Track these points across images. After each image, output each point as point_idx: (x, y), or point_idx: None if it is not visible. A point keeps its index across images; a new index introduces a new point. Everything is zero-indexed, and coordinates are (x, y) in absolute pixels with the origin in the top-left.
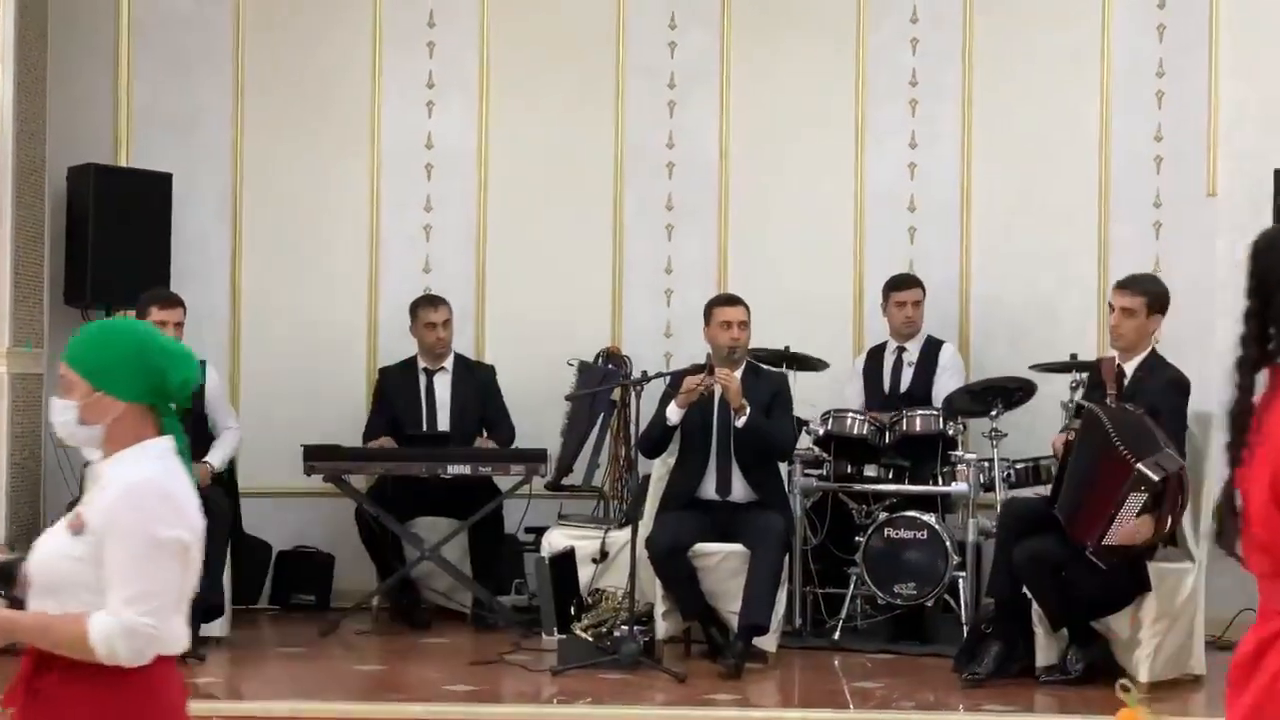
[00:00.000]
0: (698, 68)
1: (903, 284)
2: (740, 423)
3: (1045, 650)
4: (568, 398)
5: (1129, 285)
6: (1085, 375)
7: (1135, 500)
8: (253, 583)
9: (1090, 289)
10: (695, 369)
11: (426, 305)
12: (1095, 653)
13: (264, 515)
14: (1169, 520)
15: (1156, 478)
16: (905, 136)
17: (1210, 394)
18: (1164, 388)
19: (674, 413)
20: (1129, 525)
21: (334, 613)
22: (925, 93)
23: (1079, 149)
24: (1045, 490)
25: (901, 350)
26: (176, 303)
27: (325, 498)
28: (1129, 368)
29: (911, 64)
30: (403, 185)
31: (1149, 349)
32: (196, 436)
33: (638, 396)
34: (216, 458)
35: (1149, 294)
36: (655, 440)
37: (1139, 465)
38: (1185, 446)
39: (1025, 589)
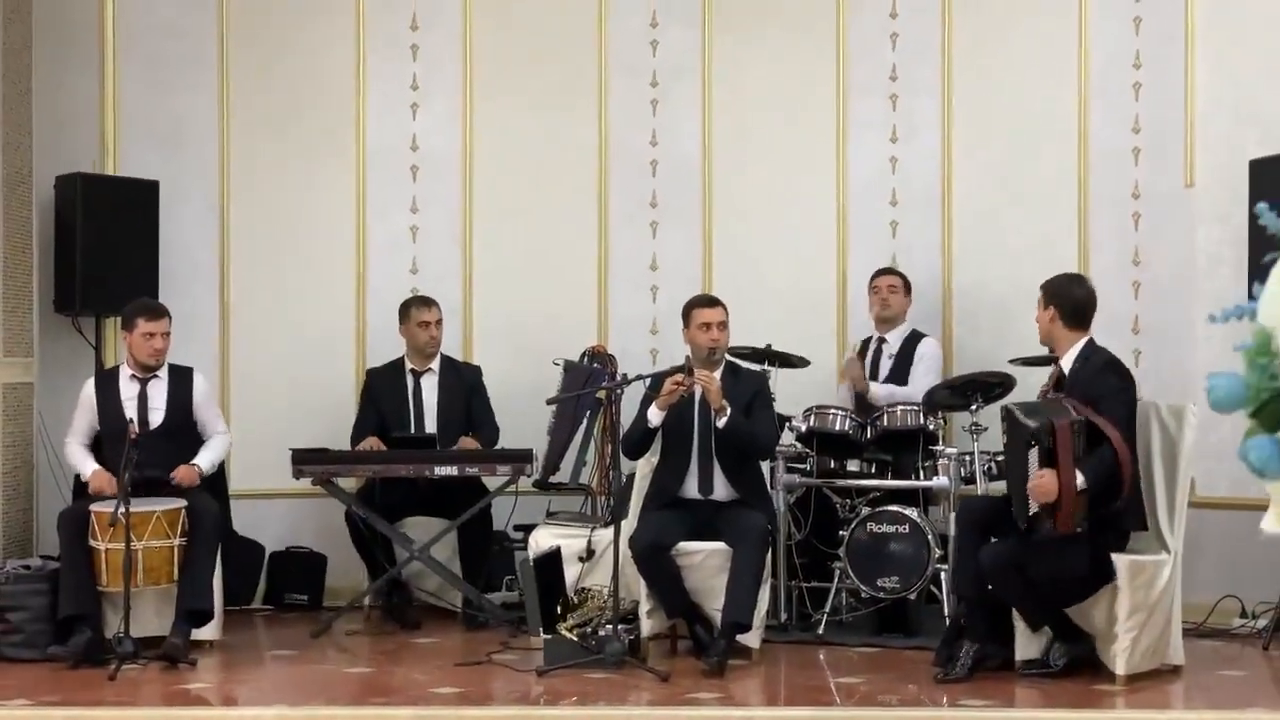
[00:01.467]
0: (679, 65)
1: (880, 272)
2: (721, 423)
3: (1026, 644)
4: (549, 401)
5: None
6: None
7: (1032, 457)
8: (247, 583)
9: None
10: (675, 370)
11: (420, 305)
12: (1080, 648)
13: (257, 516)
14: (1072, 472)
15: (1033, 425)
16: (886, 130)
17: (1192, 384)
18: (1097, 373)
19: (654, 415)
20: (1033, 481)
21: (327, 612)
22: (905, 87)
23: (1058, 141)
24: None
25: (882, 341)
26: (163, 314)
27: (316, 498)
28: (1066, 364)
29: (891, 58)
30: (388, 187)
31: (1082, 341)
32: (183, 444)
33: (618, 397)
34: (204, 460)
35: (1043, 288)
36: (636, 442)
37: (1021, 419)
38: (1132, 423)
39: (997, 593)
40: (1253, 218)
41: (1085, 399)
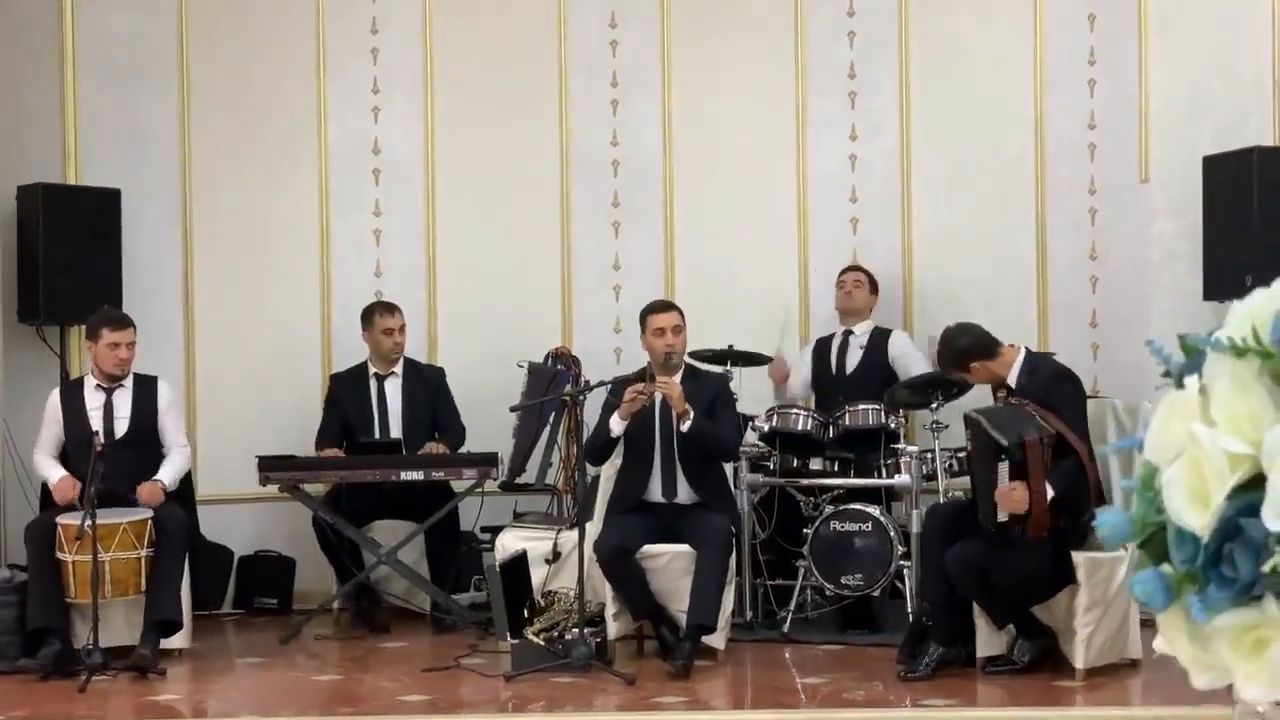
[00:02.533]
0: (639, 65)
1: (847, 268)
2: (685, 427)
3: (988, 642)
4: (513, 409)
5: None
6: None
7: (1002, 470)
8: (215, 588)
9: (1029, 274)
10: (636, 377)
11: (384, 312)
12: (1042, 643)
13: (225, 521)
14: (1043, 486)
15: (1006, 442)
16: (845, 128)
17: (1148, 379)
18: (1051, 383)
19: (616, 424)
20: (1002, 490)
21: (296, 615)
22: (863, 85)
23: (1015, 136)
24: None
25: (849, 334)
26: (128, 323)
27: (285, 502)
28: (1010, 379)
29: (849, 56)
30: (351, 191)
31: (1021, 354)
32: (148, 453)
33: (581, 403)
34: (167, 475)
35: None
36: (599, 450)
37: (992, 433)
38: (1086, 430)
39: (963, 593)
40: (1207, 212)
41: (1043, 407)
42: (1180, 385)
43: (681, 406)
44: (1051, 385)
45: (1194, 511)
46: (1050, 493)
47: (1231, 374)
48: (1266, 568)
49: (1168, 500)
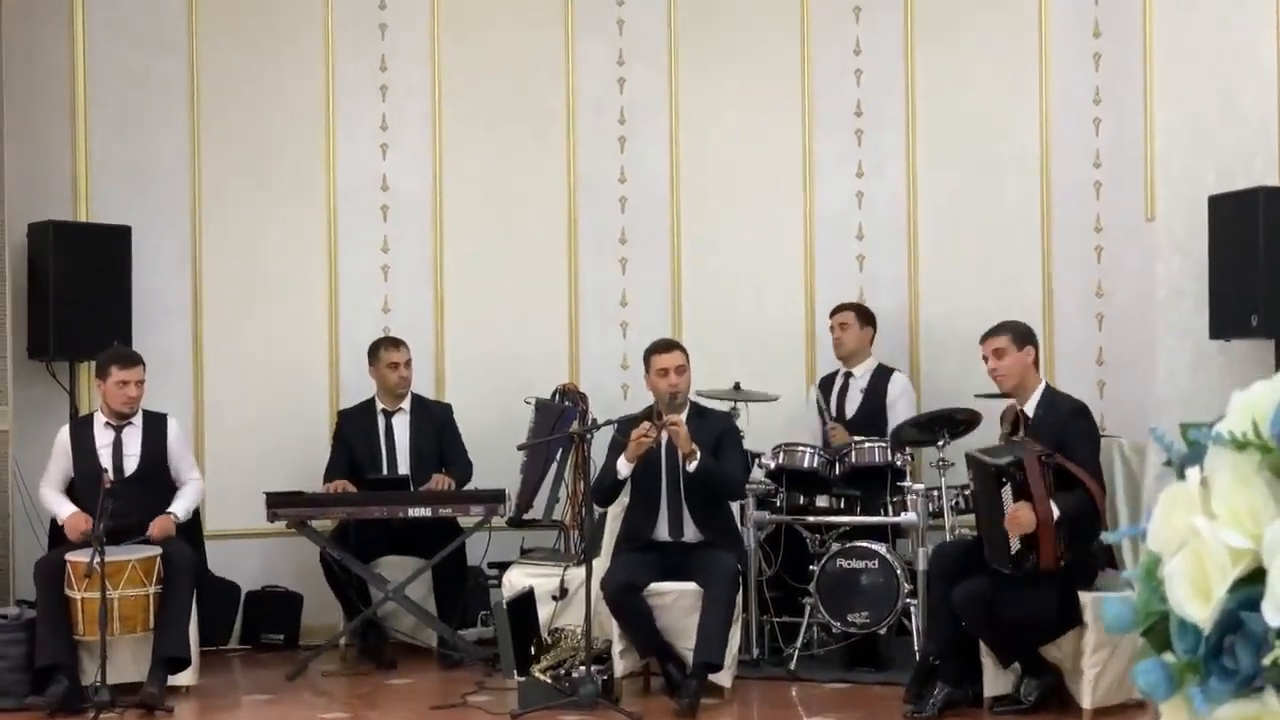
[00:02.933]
0: (646, 102)
1: (835, 310)
2: (692, 468)
3: (994, 681)
4: (520, 447)
5: (993, 331)
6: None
7: (1005, 495)
8: (222, 623)
9: (1035, 311)
10: (643, 415)
11: (390, 346)
12: (1048, 681)
13: (231, 556)
14: (1046, 502)
15: (1002, 462)
16: (852, 166)
17: (1153, 417)
18: (1066, 418)
19: (624, 466)
20: (1009, 514)
21: (303, 651)
22: (870, 122)
23: (1021, 175)
24: None
25: (849, 376)
26: (137, 361)
27: (292, 538)
28: (1029, 409)
29: (856, 95)
30: (359, 228)
31: (1041, 385)
32: (158, 490)
33: (588, 441)
34: (180, 508)
35: (1013, 330)
36: (606, 491)
37: (987, 461)
38: (1099, 466)
39: (970, 630)
40: (1213, 250)
41: (1055, 444)
42: (1182, 476)
43: (688, 447)
44: (1069, 420)
45: (1196, 604)
46: (1056, 512)
47: (1232, 467)
48: (1267, 661)
49: (1170, 592)
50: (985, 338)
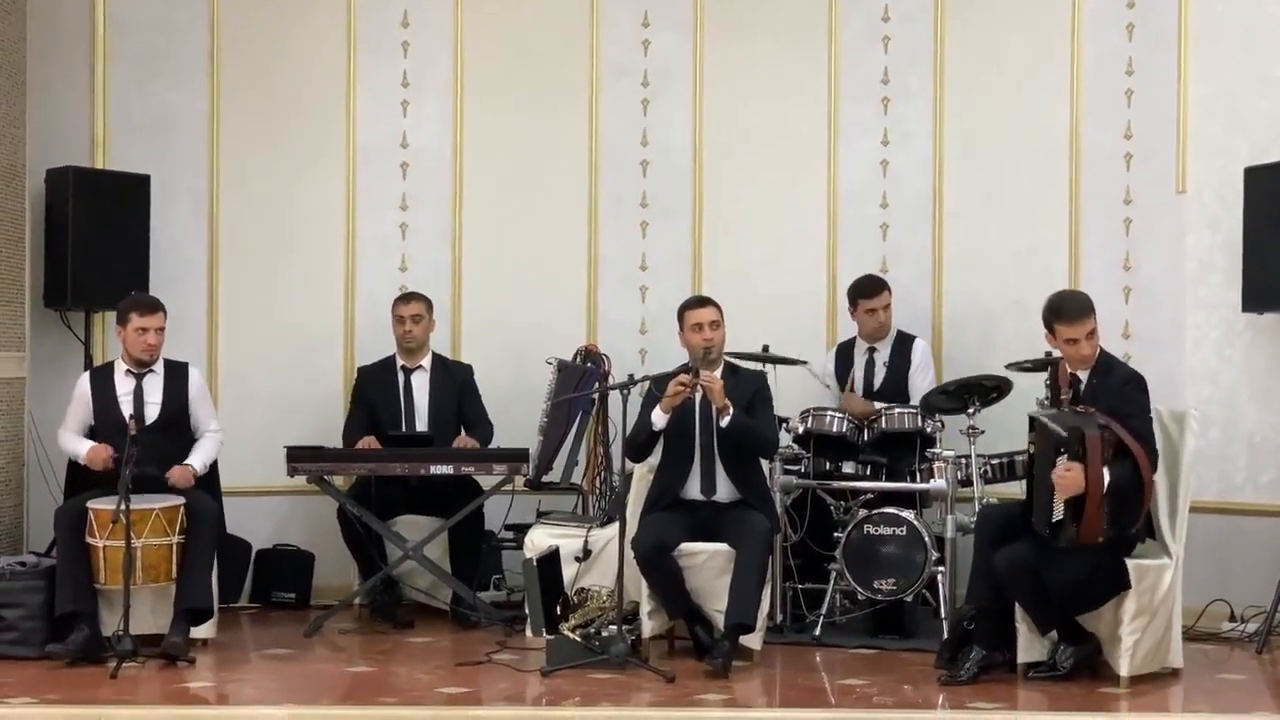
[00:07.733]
0: (670, 66)
1: (871, 291)
2: (725, 423)
3: (1029, 648)
4: (551, 401)
5: (1075, 314)
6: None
7: (1061, 464)
8: (233, 581)
9: (1061, 283)
10: (679, 371)
11: (399, 301)
12: (1087, 650)
13: (242, 514)
14: (1101, 479)
15: (1064, 433)
16: (877, 134)
17: (1181, 390)
18: (1120, 387)
19: (659, 418)
20: (1057, 471)
21: (314, 610)
22: (896, 91)
23: (1049, 146)
24: (1020, 485)
25: (873, 350)
26: (157, 308)
27: (303, 496)
28: (1083, 373)
29: (883, 62)
30: (378, 185)
31: (1099, 351)
32: (179, 439)
33: (624, 399)
34: (198, 460)
35: (1092, 307)
36: (641, 445)
37: (1051, 426)
38: (1153, 436)
39: (1010, 596)
40: (1245, 224)
41: (1107, 411)
42: None
43: (722, 401)
44: (1124, 389)
45: None
46: (1107, 478)
47: None
48: None
49: None
50: (1073, 320)
